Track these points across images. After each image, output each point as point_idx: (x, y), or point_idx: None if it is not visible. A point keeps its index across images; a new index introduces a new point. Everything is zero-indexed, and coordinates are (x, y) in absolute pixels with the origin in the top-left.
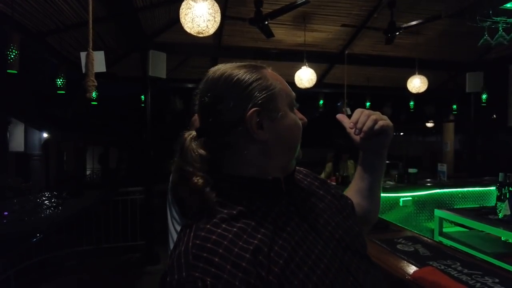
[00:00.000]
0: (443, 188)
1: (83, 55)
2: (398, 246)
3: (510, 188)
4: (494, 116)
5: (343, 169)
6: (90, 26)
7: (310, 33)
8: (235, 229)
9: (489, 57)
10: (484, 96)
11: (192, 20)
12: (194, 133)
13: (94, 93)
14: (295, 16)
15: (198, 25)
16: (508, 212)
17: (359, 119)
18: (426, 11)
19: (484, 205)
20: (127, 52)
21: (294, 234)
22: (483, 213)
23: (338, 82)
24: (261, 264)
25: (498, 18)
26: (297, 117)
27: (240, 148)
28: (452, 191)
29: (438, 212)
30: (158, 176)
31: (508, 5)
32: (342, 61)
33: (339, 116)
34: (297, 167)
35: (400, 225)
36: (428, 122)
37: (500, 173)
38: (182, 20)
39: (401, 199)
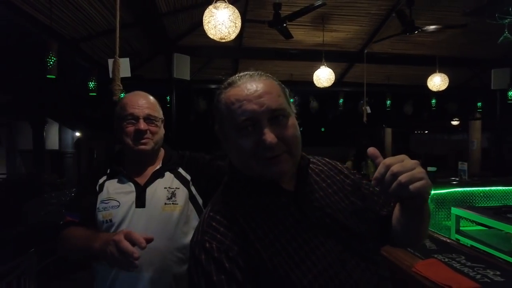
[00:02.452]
0: (463, 187)
1: (110, 61)
2: None
3: None
4: None
5: (364, 168)
6: (117, 35)
7: (328, 33)
8: (239, 212)
9: None
10: (510, 93)
11: (215, 27)
12: None
13: (122, 95)
14: (314, 17)
15: (221, 31)
16: None
17: (384, 177)
18: (445, 9)
19: (508, 204)
20: (153, 56)
21: (289, 228)
22: (503, 212)
23: (358, 80)
24: (253, 245)
25: None
26: (248, 142)
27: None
28: (473, 190)
29: (454, 210)
30: None
31: None
32: (362, 60)
33: (371, 151)
34: (318, 158)
35: None
36: (453, 120)
37: None
38: (206, 27)
39: None
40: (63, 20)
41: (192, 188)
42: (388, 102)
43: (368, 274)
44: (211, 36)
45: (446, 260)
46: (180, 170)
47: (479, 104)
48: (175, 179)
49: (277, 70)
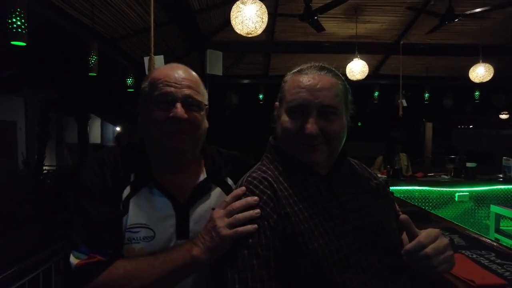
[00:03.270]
0: (507, 184)
1: (146, 59)
2: None
3: None
4: None
5: (396, 162)
6: (152, 33)
7: (362, 24)
8: (273, 178)
9: None
10: None
11: (242, 22)
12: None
13: None
14: (346, 9)
15: (248, 26)
16: None
17: (416, 253)
18: None
19: None
20: (187, 52)
21: (318, 203)
22: None
23: (394, 73)
24: (283, 207)
25: None
26: (292, 125)
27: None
28: None
29: (494, 208)
30: None
31: None
32: (397, 52)
33: (403, 219)
34: (355, 161)
35: (456, 222)
36: (501, 114)
37: None
38: (233, 22)
39: (457, 193)
40: (103, 21)
41: None
42: (427, 95)
43: (390, 269)
44: (238, 31)
45: (474, 256)
46: (228, 180)
47: None
48: (223, 194)
49: (310, 63)
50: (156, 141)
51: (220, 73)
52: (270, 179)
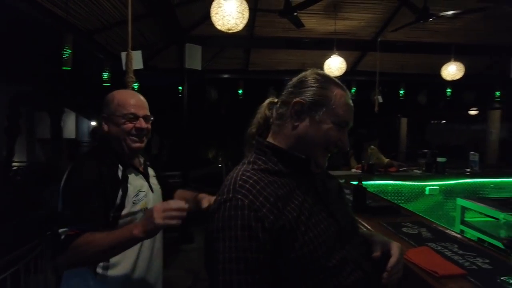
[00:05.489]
0: (473, 178)
1: (123, 54)
2: (403, 229)
3: None
4: None
5: (369, 158)
6: (129, 28)
7: (341, 21)
8: (268, 179)
9: None
10: None
11: (222, 18)
12: (271, 100)
13: (135, 85)
14: (326, 5)
15: (228, 22)
16: None
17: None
18: None
19: None
20: (166, 46)
21: (311, 204)
22: (509, 203)
23: (372, 69)
24: (278, 209)
25: None
26: (335, 135)
27: (283, 122)
28: (484, 181)
29: (459, 201)
30: (195, 162)
31: None
32: (375, 49)
33: (376, 256)
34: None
35: (426, 214)
36: (471, 110)
37: None
38: (213, 18)
39: (427, 187)
40: (77, 13)
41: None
42: (402, 91)
43: (360, 250)
44: (219, 27)
45: (439, 248)
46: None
47: (497, 93)
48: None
49: (290, 59)
50: (124, 142)
51: (199, 68)
52: (266, 180)
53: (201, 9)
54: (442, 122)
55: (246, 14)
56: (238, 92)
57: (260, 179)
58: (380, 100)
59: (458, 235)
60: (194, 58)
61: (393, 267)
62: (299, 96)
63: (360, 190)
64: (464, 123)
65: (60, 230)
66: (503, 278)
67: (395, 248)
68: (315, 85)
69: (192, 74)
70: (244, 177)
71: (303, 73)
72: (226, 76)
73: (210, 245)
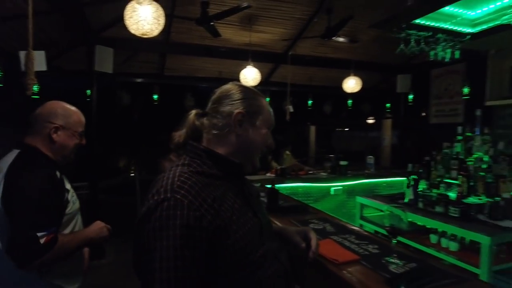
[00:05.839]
0: (369, 178)
1: (22, 54)
2: (310, 225)
3: (413, 177)
4: (424, 114)
5: (283, 162)
6: (30, 25)
7: (256, 33)
8: (205, 181)
9: (415, 62)
10: (410, 96)
11: (137, 22)
12: (196, 111)
13: (35, 87)
14: (242, 17)
15: (143, 27)
16: (412, 197)
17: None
18: (361, 18)
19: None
20: (73, 46)
21: (240, 205)
22: (396, 198)
23: (284, 80)
24: (215, 209)
25: (411, 31)
26: (269, 138)
27: (224, 132)
28: (377, 181)
29: (358, 199)
30: (105, 172)
31: (418, 20)
32: (286, 61)
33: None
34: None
35: (332, 212)
36: (368, 119)
37: (408, 164)
38: (127, 22)
39: (332, 188)
40: None
41: None
42: (310, 102)
43: (275, 244)
44: (133, 31)
45: (340, 240)
46: None
47: (388, 105)
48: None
49: (207, 66)
50: (63, 155)
51: (110, 71)
52: (203, 182)
53: (113, 10)
54: (346, 129)
55: (162, 21)
56: (153, 97)
57: (198, 180)
58: (291, 110)
59: (356, 228)
60: (105, 60)
61: (316, 246)
62: (232, 107)
63: (273, 192)
64: (363, 130)
65: (39, 234)
66: (386, 258)
67: (310, 232)
68: (246, 97)
69: (102, 77)
70: (182, 178)
71: (226, 87)
72: (140, 80)
73: (145, 245)
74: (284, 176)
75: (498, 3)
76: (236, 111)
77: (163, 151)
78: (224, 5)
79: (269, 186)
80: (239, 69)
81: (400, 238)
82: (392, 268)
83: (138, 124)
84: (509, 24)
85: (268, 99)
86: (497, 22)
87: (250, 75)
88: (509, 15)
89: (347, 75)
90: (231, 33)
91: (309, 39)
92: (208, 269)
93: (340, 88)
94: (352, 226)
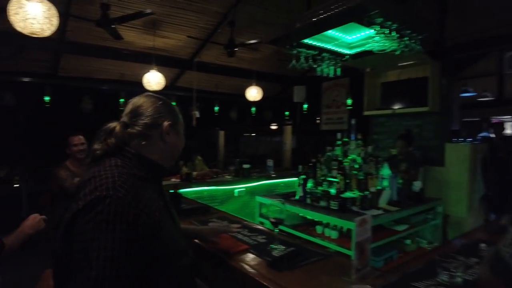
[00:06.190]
0: (269, 180)
1: None
2: (209, 224)
3: (302, 177)
4: (318, 121)
5: (193, 167)
6: None
7: (160, 38)
8: (138, 183)
9: (310, 74)
10: (305, 106)
11: (25, 20)
12: (121, 124)
13: None
14: (145, 21)
15: (32, 26)
16: (302, 194)
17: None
18: (262, 31)
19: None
20: None
21: (163, 206)
22: (289, 196)
23: (190, 86)
24: (149, 208)
25: (301, 49)
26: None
27: (153, 141)
28: (276, 182)
29: (258, 198)
30: None
31: (306, 40)
32: (192, 68)
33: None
34: None
35: (236, 212)
36: (271, 125)
37: (299, 166)
38: (12, 18)
39: (236, 190)
40: None
41: None
42: (216, 108)
43: (186, 242)
44: (19, 29)
45: (234, 234)
46: None
47: (287, 113)
48: None
49: (108, 68)
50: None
51: None
52: (138, 183)
53: None
54: (252, 134)
55: (56, 21)
56: (44, 99)
57: (134, 182)
58: (198, 115)
59: (249, 223)
60: None
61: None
62: (157, 119)
63: (176, 197)
64: (268, 135)
65: None
66: (271, 246)
67: (220, 226)
68: (163, 107)
69: None
70: (122, 179)
71: (139, 100)
72: (27, 79)
73: (82, 235)
74: (189, 180)
75: (365, 33)
76: (166, 123)
77: (55, 158)
78: (127, 8)
79: (171, 191)
80: (143, 72)
81: (292, 231)
82: (274, 253)
83: (25, 128)
84: (371, 51)
85: (174, 103)
86: (364, 48)
87: (153, 79)
88: (371, 44)
89: (250, 84)
90: (134, 36)
91: (214, 48)
92: (142, 261)
93: (243, 96)
94: (247, 222)
